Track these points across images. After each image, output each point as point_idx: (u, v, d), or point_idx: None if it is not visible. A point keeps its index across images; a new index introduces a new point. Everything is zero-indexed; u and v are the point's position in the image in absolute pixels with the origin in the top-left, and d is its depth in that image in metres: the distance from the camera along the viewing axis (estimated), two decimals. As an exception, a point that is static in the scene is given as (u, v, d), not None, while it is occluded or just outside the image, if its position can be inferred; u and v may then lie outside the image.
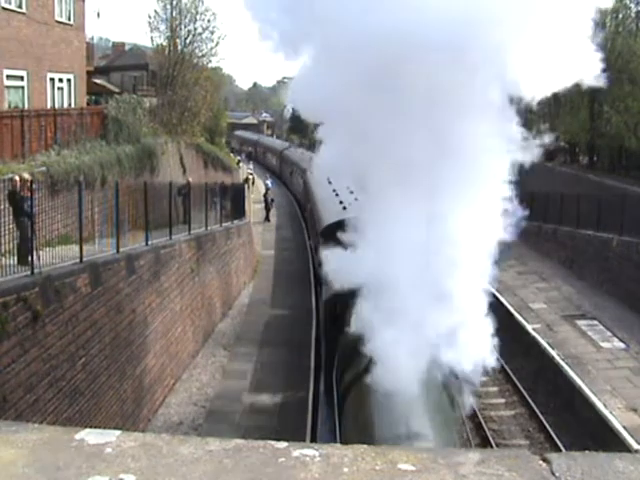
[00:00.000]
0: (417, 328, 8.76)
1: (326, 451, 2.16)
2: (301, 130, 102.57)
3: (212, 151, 41.53)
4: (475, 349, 8.94)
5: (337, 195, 22.80)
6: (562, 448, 14.64)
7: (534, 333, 20.65)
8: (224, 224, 25.75)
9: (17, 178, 12.81)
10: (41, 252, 12.01)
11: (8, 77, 21.90)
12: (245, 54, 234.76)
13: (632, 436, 14.19)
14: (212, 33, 37.31)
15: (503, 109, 9.36)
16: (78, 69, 27.28)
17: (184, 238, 19.89)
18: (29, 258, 11.63)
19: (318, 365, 17.31)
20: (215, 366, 19.26)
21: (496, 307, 25.24)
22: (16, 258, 11.85)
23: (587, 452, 2.20)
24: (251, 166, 63.61)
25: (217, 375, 18.67)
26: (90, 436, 2.24)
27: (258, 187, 51.48)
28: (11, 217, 12.19)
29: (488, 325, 9.51)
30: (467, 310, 9.22)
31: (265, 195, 43.53)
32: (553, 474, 2.04)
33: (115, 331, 14.13)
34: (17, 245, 12.16)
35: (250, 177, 51.32)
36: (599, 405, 15.68)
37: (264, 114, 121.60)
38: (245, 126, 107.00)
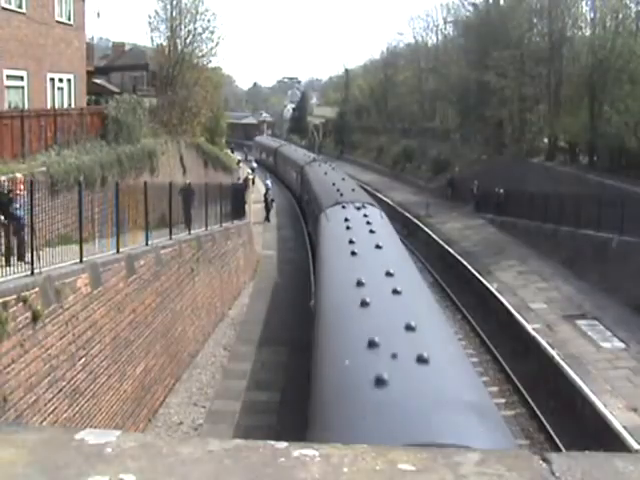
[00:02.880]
0: None
1: (326, 451, 2.16)
2: (301, 130, 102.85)
3: (212, 151, 41.54)
4: None
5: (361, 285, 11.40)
6: (562, 448, 14.64)
7: (534, 333, 20.67)
8: (224, 224, 25.76)
9: (3, 178, 12.76)
10: (41, 252, 12.01)
11: (8, 77, 21.91)
12: (245, 54, 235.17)
13: (632, 436, 14.20)
14: (212, 33, 37.40)
15: None
16: (78, 69, 27.29)
17: (184, 238, 19.90)
18: (11, 262, 11.60)
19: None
20: (215, 366, 19.27)
21: (497, 307, 25.32)
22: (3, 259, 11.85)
23: (587, 452, 2.20)
24: (254, 165, 63.47)
25: (217, 375, 18.67)
26: (90, 436, 2.24)
27: (258, 188, 51.29)
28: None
29: None
30: None
31: (265, 195, 43.51)
32: (553, 474, 2.04)
33: (115, 331, 14.13)
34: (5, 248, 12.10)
35: (250, 177, 51.12)
36: (599, 405, 15.69)
37: (264, 114, 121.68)
38: (245, 126, 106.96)
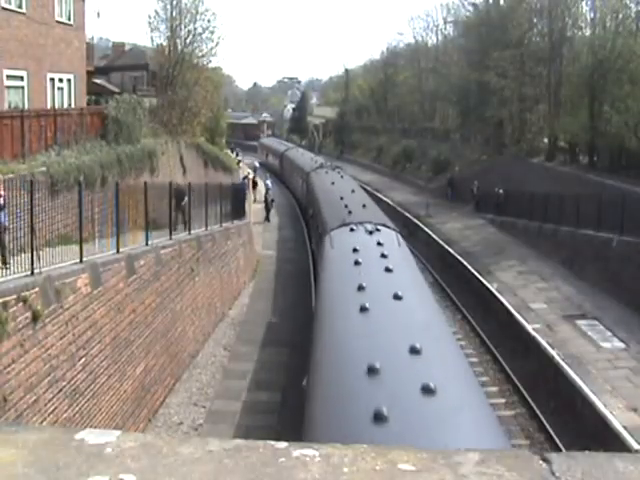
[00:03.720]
0: None
1: (326, 451, 2.16)
2: (301, 130, 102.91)
3: (212, 151, 41.54)
4: None
5: None
6: (562, 448, 14.65)
7: (534, 333, 20.67)
8: (224, 224, 25.76)
9: None
10: (41, 252, 12.01)
11: (8, 77, 21.90)
12: (245, 54, 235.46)
13: (632, 436, 14.21)
14: (212, 33, 37.39)
15: None
16: (78, 69, 27.29)
17: (184, 238, 19.89)
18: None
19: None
20: (215, 366, 19.27)
21: (496, 307, 25.30)
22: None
23: (587, 452, 2.20)
24: (257, 164, 63.14)
25: (217, 375, 18.68)
26: (90, 436, 2.24)
27: (261, 191, 50.83)
28: (10, 217, 12.18)
29: None
30: None
31: (265, 195, 43.59)
32: (553, 474, 2.04)
33: (115, 331, 14.13)
34: None
35: (251, 177, 50.57)
36: (599, 405, 15.69)
37: (264, 114, 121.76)
38: (245, 126, 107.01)
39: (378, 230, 17.61)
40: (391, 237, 17.50)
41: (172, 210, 20.28)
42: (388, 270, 12.63)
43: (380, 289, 11.34)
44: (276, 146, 70.52)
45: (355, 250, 14.54)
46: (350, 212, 20.80)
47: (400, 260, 14.63)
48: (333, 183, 31.09)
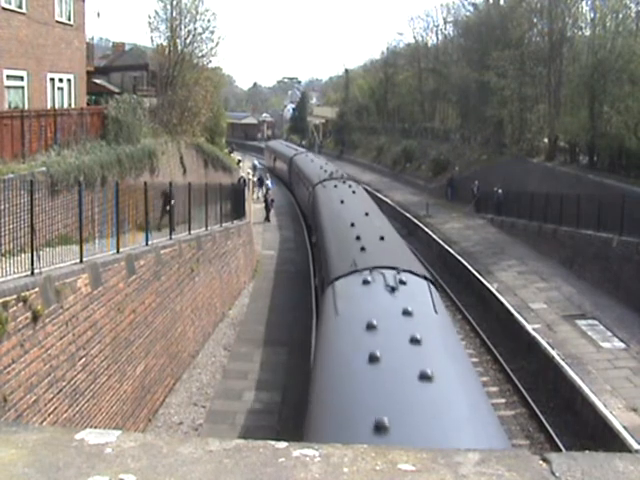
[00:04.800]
0: None
1: (326, 451, 2.16)
2: (301, 130, 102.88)
3: (212, 151, 41.55)
4: None
5: None
6: (562, 448, 14.65)
7: (534, 333, 20.67)
8: (224, 224, 25.76)
9: None
10: (41, 252, 12.01)
11: (8, 77, 21.90)
12: (245, 54, 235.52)
13: (632, 436, 14.21)
14: (212, 33, 37.41)
15: None
16: (78, 69, 27.29)
17: (184, 238, 19.89)
18: None
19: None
20: (215, 366, 19.28)
21: (497, 307, 25.29)
22: None
23: (587, 452, 2.20)
24: (257, 162, 62.90)
25: (217, 375, 18.68)
26: (90, 436, 2.24)
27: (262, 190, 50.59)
28: (10, 218, 12.17)
29: None
30: None
31: (265, 195, 43.60)
32: (553, 474, 2.04)
33: (115, 331, 14.13)
34: None
35: (251, 177, 50.23)
36: (599, 405, 15.69)
37: (264, 114, 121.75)
38: (245, 126, 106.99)
39: (403, 283, 11.64)
40: (423, 295, 11.71)
41: (163, 212, 20.19)
42: (424, 378, 7.43)
43: (413, 428, 6.49)
44: (284, 150, 61.24)
45: (370, 327, 9.22)
46: (363, 248, 14.67)
47: (441, 349, 9.22)
48: (343, 202, 23.90)
